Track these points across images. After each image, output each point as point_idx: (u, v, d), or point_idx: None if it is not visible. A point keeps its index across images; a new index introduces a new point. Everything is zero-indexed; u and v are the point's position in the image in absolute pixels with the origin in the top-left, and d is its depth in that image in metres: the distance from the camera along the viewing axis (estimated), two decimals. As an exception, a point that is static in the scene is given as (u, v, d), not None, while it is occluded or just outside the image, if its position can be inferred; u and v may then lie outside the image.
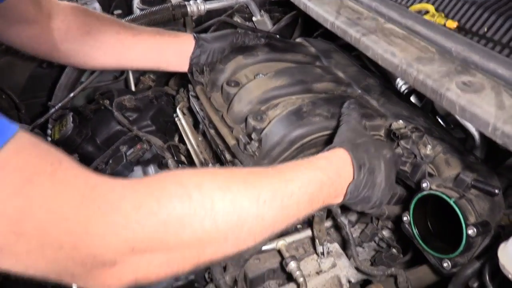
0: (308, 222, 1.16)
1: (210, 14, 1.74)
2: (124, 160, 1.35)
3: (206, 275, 1.07)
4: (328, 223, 1.16)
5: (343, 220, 1.04)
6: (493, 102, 0.75)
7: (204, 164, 1.37)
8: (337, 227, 1.21)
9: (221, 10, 1.78)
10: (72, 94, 1.52)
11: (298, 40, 1.64)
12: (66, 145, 1.40)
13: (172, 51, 1.36)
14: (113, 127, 1.45)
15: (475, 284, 0.99)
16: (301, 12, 1.81)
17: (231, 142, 1.20)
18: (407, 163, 1.11)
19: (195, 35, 1.39)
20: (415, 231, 1.03)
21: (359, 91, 1.33)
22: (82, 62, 1.33)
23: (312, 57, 1.51)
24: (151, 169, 1.37)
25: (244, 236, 0.73)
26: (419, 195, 1.01)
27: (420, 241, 1.02)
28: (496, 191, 0.93)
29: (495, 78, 0.80)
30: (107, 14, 1.38)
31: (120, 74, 1.73)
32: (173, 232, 0.64)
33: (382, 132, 1.21)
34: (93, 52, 1.29)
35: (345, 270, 1.08)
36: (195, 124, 1.51)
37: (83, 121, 1.49)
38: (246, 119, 1.22)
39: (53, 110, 1.51)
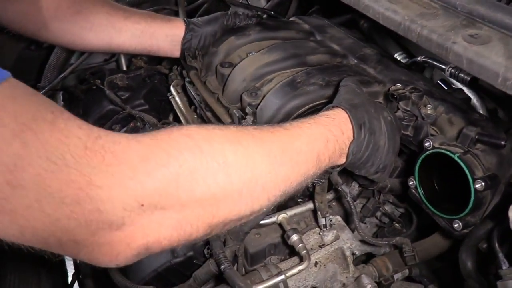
0: (309, 195, 1.13)
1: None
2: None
3: (205, 251, 1.03)
4: (330, 196, 1.13)
5: (344, 188, 1.00)
6: (502, 52, 0.71)
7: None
8: (339, 200, 1.17)
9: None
10: (62, 75, 1.48)
11: (292, 19, 1.60)
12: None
13: (164, 36, 1.34)
14: (105, 107, 1.41)
15: (485, 245, 0.97)
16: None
17: (227, 120, 1.17)
18: (409, 127, 1.08)
19: (185, 20, 1.38)
20: (422, 195, 1.00)
21: (355, 60, 1.30)
22: (71, 42, 1.29)
23: (306, 33, 1.47)
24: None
25: (258, 192, 0.70)
26: (423, 155, 0.97)
27: (428, 205, 0.99)
28: (503, 142, 0.90)
29: (502, 29, 0.76)
30: None
31: (111, 56, 1.69)
32: (185, 186, 0.60)
33: (380, 99, 1.18)
34: (84, 33, 1.26)
35: (349, 242, 1.04)
36: (190, 104, 1.46)
37: (74, 101, 1.45)
38: (241, 97, 1.18)
39: (42, 91, 1.46)
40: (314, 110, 1.11)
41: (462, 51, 0.74)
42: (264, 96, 1.16)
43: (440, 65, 1.34)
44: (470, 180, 0.89)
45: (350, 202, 1.00)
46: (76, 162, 0.51)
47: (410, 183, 1.04)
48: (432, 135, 1.01)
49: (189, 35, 1.36)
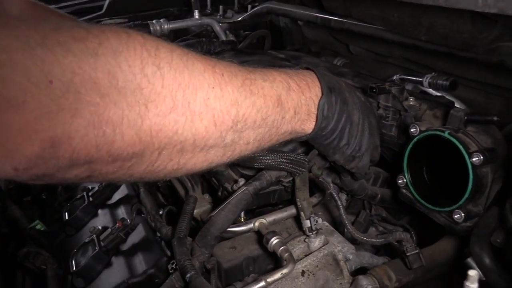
0: (289, 201, 0.99)
1: (176, 34, 1.70)
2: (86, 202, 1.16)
3: (170, 266, 0.86)
4: (314, 200, 0.99)
5: (325, 178, 0.88)
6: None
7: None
8: (326, 207, 1.03)
9: (186, 30, 1.75)
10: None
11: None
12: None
13: None
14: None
15: (499, 239, 0.82)
16: (268, 29, 1.82)
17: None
18: (393, 127, 1.00)
19: None
20: (415, 192, 0.90)
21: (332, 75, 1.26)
22: None
23: (281, 59, 1.45)
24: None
25: (199, 106, 0.58)
26: (410, 144, 0.89)
27: (423, 201, 0.88)
28: (495, 118, 0.81)
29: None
30: (68, 14, 1.32)
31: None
32: (104, 69, 0.48)
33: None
34: None
35: (340, 246, 0.89)
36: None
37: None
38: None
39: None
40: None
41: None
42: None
43: (417, 79, 1.31)
44: (466, 155, 0.79)
45: (334, 194, 0.87)
46: None
47: (400, 181, 0.94)
48: (417, 124, 0.93)
49: None
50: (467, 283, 0.39)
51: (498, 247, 0.85)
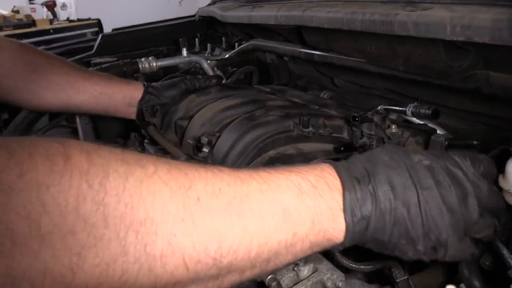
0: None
1: (166, 71, 1.74)
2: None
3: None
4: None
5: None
6: (444, 11, 0.70)
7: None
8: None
9: (174, 68, 1.79)
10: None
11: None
12: None
13: (122, 98, 1.34)
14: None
15: (488, 261, 0.83)
16: (255, 65, 1.87)
17: (183, 157, 1.08)
18: None
19: (144, 83, 1.39)
20: None
21: (316, 107, 1.29)
22: (27, 101, 1.25)
23: (267, 93, 1.48)
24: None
25: (159, 247, 0.45)
26: None
27: None
28: (475, 142, 0.84)
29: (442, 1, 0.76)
30: (57, 55, 1.35)
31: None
32: (20, 208, 0.38)
33: (345, 135, 1.14)
34: (41, 92, 1.23)
35: (329, 273, 0.88)
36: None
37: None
38: (199, 139, 1.12)
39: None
40: (276, 139, 1.05)
41: (406, 17, 0.74)
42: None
43: (400, 108, 1.35)
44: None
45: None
46: None
47: None
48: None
49: (147, 97, 1.36)
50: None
51: (487, 270, 0.85)
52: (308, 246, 0.57)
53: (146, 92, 1.36)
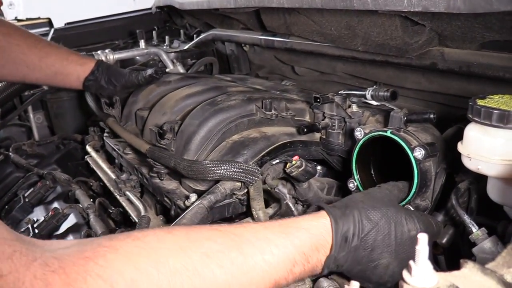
0: (245, 214, 0.98)
1: (123, 64, 1.69)
2: (22, 202, 1.11)
3: None
4: (270, 211, 0.98)
5: (281, 189, 0.88)
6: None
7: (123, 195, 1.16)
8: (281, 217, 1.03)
9: (133, 60, 1.74)
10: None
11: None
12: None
13: (76, 79, 1.35)
14: (10, 174, 1.24)
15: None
16: (215, 57, 1.85)
17: (146, 147, 1.05)
18: (339, 135, 1.05)
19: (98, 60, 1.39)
20: None
21: (278, 92, 1.29)
22: None
23: (227, 81, 1.47)
24: (56, 204, 1.14)
25: None
26: (357, 147, 0.93)
27: None
28: (431, 116, 0.87)
29: None
30: (19, 28, 1.34)
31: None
32: None
33: (307, 118, 1.14)
34: None
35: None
36: (110, 161, 1.33)
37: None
38: (161, 127, 1.09)
39: None
40: (239, 123, 1.04)
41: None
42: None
43: (360, 93, 1.37)
44: (408, 151, 0.83)
45: (290, 204, 0.88)
46: None
47: (351, 185, 0.98)
48: (361, 128, 0.97)
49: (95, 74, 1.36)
50: (417, 247, 0.40)
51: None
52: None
53: (92, 71, 1.35)
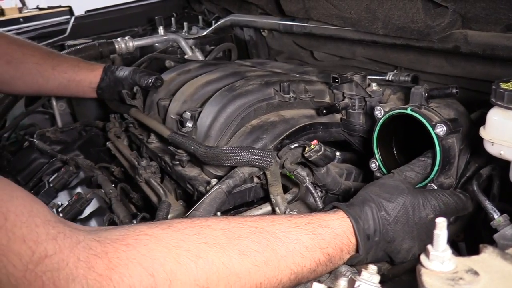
0: (265, 199, 0.99)
1: (143, 51, 1.70)
2: (46, 187, 1.15)
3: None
4: (288, 196, 0.99)
5: (300, 172, 0.88)
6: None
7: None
8: (302, 202, 1.03)
9: (152, 47, 1.76)
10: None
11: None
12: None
13: (88, 84, 1.39)
14: (35, 161, 1.27)
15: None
16: (233, 43, 1.84)
17: (167, 132, 1.06)
18: (360, 115, 1.04)
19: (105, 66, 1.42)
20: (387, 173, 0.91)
21: (297, 75, 1.28)
22: (0, 89, 1.34)
23: (247, 66, 1.47)
24: (79, 189, 1.16)
25: None
26: (377, 126, 0.92)
27: None
28: (454, 90, 0.85)
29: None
30: (29, 41, 1.39)
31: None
32: None
33: (327, 99, 1.14)
34: (13, 82, 1.30)
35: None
36: (131, 148, 1.36)
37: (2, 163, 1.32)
38: (182, 116, 1.10)
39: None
40: (258, 108, 1.04)
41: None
42: (204, 108, 1.08)
43: (380, 78, 1.36)
44: (430, 128, 0.81)
45: (310, 186, 0.88)
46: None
47: (373, 165, 0.97)
48: (382, 107, 0.95)
49: (106, 79, 1.39)
50: (436, 231, 0.39)
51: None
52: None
53: (103, 74, 1.38)
